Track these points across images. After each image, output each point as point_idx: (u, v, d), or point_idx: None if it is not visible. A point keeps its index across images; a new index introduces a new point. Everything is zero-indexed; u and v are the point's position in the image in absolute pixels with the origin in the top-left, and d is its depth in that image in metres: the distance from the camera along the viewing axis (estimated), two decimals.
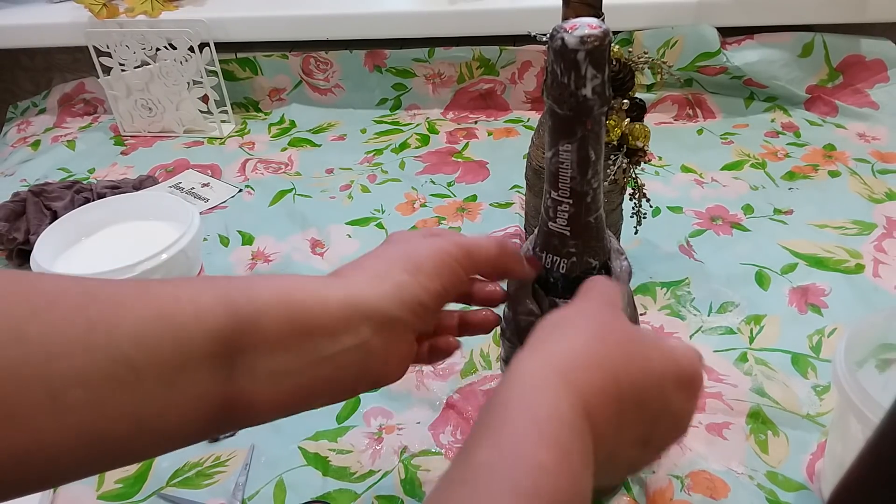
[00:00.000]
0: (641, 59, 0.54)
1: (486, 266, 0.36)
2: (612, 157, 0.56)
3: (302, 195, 0.84)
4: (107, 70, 0.96)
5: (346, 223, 0.78)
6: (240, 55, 1.01)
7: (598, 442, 0.27)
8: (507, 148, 0.91)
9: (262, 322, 0.29)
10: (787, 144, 0.87)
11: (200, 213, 0.70)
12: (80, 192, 0.81)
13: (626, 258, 0.39)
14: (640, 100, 0.55)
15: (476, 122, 0.98)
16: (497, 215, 0.78)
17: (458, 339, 0.40)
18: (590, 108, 0.32)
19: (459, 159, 0.89)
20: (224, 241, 0.77)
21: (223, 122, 1.01)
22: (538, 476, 0.24)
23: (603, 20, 0.45)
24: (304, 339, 0.30)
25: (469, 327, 0.40)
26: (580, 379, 0.27)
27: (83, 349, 0.25)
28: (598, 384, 0.28)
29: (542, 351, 0.29)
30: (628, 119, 0.55)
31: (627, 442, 0.30)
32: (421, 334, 0.36)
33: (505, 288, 0.40)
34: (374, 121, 1.01)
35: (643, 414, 0.29)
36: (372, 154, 0.92)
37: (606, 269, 0.38)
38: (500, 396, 0.27)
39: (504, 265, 0.36)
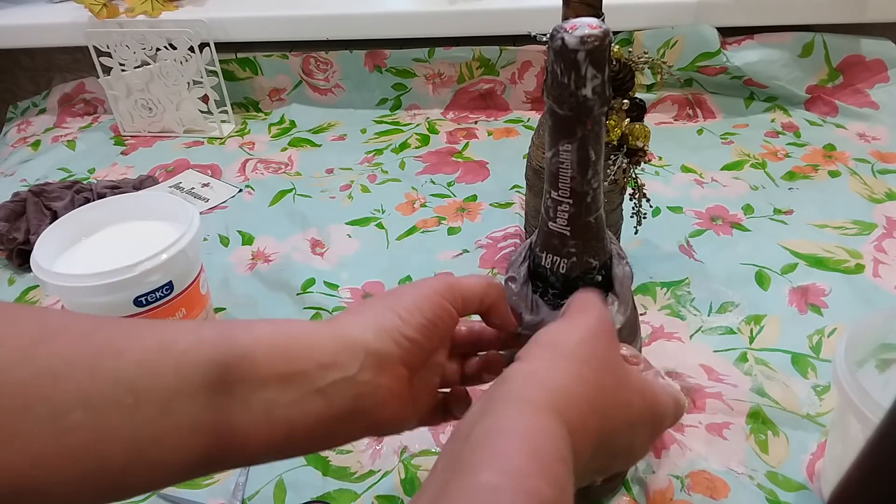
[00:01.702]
0: (641, 59, 0.54)
1: (472, 300, 0.36)
2: (612, 157, 0.56)
3: (302, 195, 0.84)
4: (107, 70, 0.96)
5: (346, 223, 0.78)
6: (240, 55, 1.01)
7: (577, 467, 0.28)
8: (507, 148, 0.91)
9: (257, 354, 0.30)
10: (787, 144, 0.87)
11: (200, 213, 0.70)
12: (80, 192, 0.81)
13: (627, 263, 0.39)
14: (640, 100, 0.55)
15: (476, 122, 0.98)
16: (497, 215, 0.78)
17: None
18: (590, 108, 0.32)
19: (459, 159, 0.89)
20: (224, 241, 0.77)
21: (223, 122, 1.01)
22: None
23: (603, 20, 0.45)
24: (296, 372, 0.30)
25: (479, 370, 0.41)
26: (573, 420, 0.28)
27: (88, 372, 0.26)
28: (587, 427, 0.29)
29: (541, 383, 0.29)
30: (628, 119, 0.55)
31: (588, 473, 0.32)
32: (430, 386, 0.37)
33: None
34: (374, 121, 1.01)
35: (610, 451, 0.32)
36: (372, 154, 0.92)
37: (606, 270, 0.38)
38: (499, 419, 0.28)
39: (490, 301, 0.37)
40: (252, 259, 0.74)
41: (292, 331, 0.31)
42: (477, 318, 0.39)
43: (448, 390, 0.40)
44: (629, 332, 0.40)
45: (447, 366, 0.39)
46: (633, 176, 0.58)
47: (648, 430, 0.33)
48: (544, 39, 0.37)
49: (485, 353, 0.41)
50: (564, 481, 0.26)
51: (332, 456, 0.52)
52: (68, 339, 0.27)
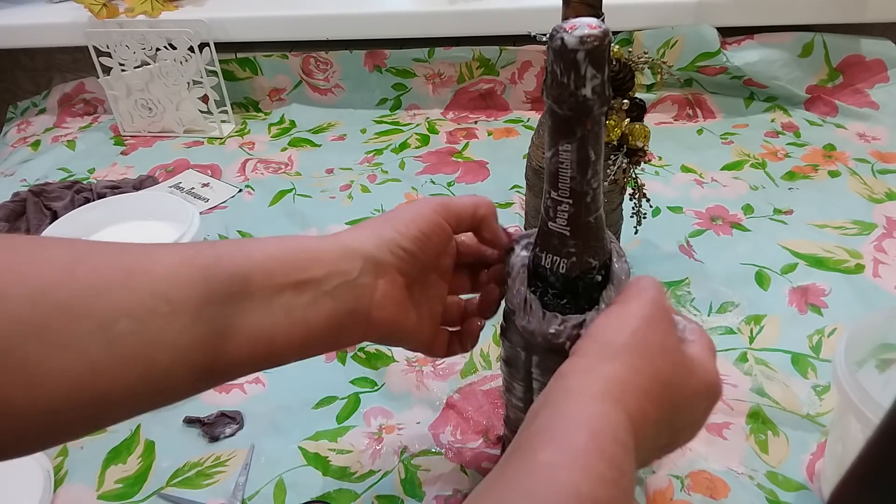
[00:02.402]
0: (641, 59, 0.54)
1: (465, 217, 0.39)
2: (612, 157, 0.56)
3: (302, 195, 0.84)
4: (107, 70, 0.96)
5: (346, 223, 0.78)
6: (240, 55, 1.01)
7: (639, 453, 0.30)
8: (507, 148, 0.91)
9: (272, 266, 0.33)
10: (787, 144, 0.87)
11: (200, 213, 0.70)
12: (80, 192, 0.81)
13: (626, 260, 0.39)
14: (640, 100, 0.55)
15: (476, 122, 0.98)
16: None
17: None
18: (590, 108, 0.32)
19: (459, 159, 0.89)
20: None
21: (223, 122, 1.01)
22: (598, 487, 0.26)
23: (603, 20, 0.45)
24: (308, 279, 0.34)
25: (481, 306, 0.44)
26: (630, 405, 0.30)
27: (126, 287, 0.29)
28: (649, 415, 0.31)
29: (598, 374, 0.31)
30: (628, 119, 0.55)
31: (656, 449, 0.34)
32: (433, 297, 0.41)
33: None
34: (374, 121, 1.01)
35: (673, 428, 0.33)
36: (372, 154, 0.92)
37: (606, 269, 0.37)
38: (558, 407, 0.30)
39: (480, 216, 0.40)
40: None
41: (300, 245, 0.35)
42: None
43: (458, 328, 0.44)
44: None
45: (456, 279, 0.43)
46: (633, 176, 0.58)
47: (705, 403, 0.35)
48: (544, 39, 0.37)
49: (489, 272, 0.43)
50: (623, 463, 0.28)
51: (332, 456, 0.52)
52: (101, 260, 0.29)
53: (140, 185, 0.86)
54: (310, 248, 0.35)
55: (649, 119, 0.58)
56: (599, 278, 0.37)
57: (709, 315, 0.62)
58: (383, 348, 0.61)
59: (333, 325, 0.35)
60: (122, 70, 0.96)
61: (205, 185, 0.88)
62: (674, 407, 0.32)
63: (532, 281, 0.38)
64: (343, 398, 0.57)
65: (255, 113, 1.05)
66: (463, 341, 0.43)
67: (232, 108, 1.02)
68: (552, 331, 0.36)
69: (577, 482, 0.26)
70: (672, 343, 0.34)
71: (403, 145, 0.94)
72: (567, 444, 0.28)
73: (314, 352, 0.35)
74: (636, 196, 0.60)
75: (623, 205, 0.63)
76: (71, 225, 0.63)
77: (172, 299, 0.30)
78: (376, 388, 0.58)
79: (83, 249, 0.30)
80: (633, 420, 0.30)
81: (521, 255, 0.39)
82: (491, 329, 0.62)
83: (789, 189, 0.79)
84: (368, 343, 0.61)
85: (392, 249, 0.37)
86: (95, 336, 0.28)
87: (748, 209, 0.75)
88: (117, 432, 0.56)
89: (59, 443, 0.31)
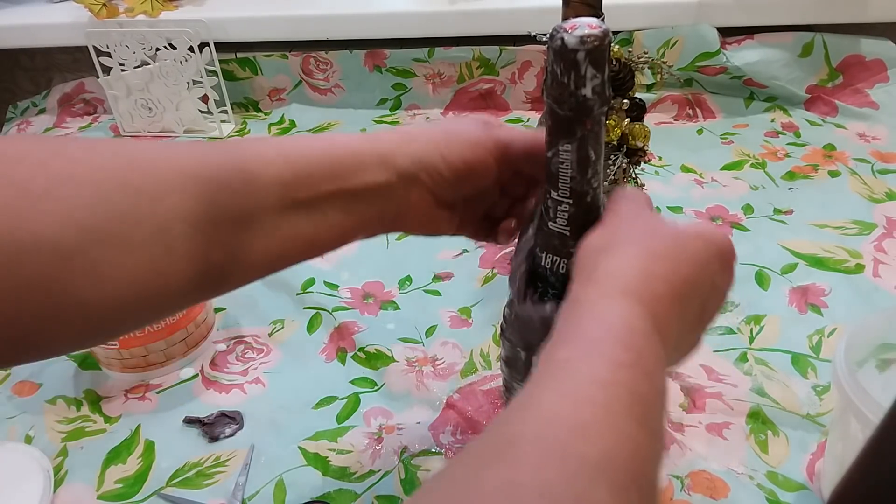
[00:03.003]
0: (641, 59, 0.54)
1: (519, 160, 0.39)
2: (612, 157, 0.56)
3: None
4: (107, 70, 0.96)
5: None
6: (240, 55, 1.01)
7: (665, 340, 0.30)
8: None
9: (316, 175, 0.35)
10: (787, 144, 0.87)
11: None
12: None
13: None
14: (640, 100, 0.55)
15: None
16: None
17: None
18: (590, 108, 0.32)
19: None
20: None
21: (223, 122, 1.01)
22: (616, 370, 0.27)
23: (603, 20, 0.45)
24: (348, 188, 0.36)
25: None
26: (641, 293, 0.30)
27: (178, 194, 0.30)
28: (659, 292, 0.30)
29: (598, 277, 0.31)
30: (628, 119, 0.55)
31: (688, 329, 0.33)
32: (474, 211, 0.42)
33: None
34: (374, 121, 1.01)
35: (697, 301, 0.33)
36: None
37: None
38: (570, 318, 0.30)
39: (536, 161, 0.38)
40: None
41: (339, 150, 0.36)
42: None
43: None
44: None
45: (500, 196, 0.42)
46: (633, 176, 0.58)
47: (718, 262, 0.34)
48: (544, 39, 0.37)
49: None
50: (641, 346, 0.28)
51: (333, 456, 0.52)
52: (152, 162, 0.31)
53: None
54: (349, 154, 0.36)
55: (649, 119, 0.58)
56: None
57: None
58: (383, 348, 0.61)
59: (366, 225, 0.37)
60: (122, 70, 0.96)
61: None
62: (686, 275, 0.31)
63: (532, 281, 0.38)
64: (343, 398, 0.57)
65: (255, 113, 1.05)
66: (496, 235, 0.43)
67: (232, 108, 1.02)
68: (548, 312, 0.36)
69: (595, 369, 0.27)
70: (658, 222, 0.34)
71: None
72: (580, 339, 0.28)
73: (349, 242, 0.38)
74: None
75: None
76: None
77: (225, 207, 0.32)
78: (376, 388, 0.58)
79: (136, 153, 0.31)
80: (646, 304, 0.29)
81: (529, 234, 0.39)
82: (491, 329, 0.63)
83: (789, 189, 0.79)
84: (368, 343, 0.62)
85: (430, 173, 0.37)
86: (156, 239, 0.29)
87: (748, 209, 0.75)
88: (117, 432, 0.56)
89: (127, 332, 0.34)
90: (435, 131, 0.38)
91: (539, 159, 0.37)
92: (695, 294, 0.32)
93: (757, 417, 0.53)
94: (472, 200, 0.41)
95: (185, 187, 0.31)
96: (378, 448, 0.53)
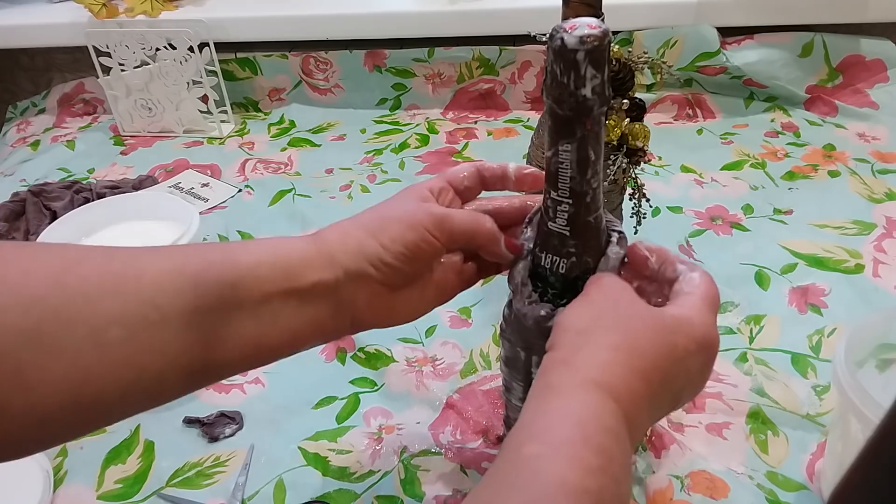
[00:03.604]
0: (641, 59, 0.54)
1: (461, 239, 0.38)
2: (612, 157, 0.56)
3: (302, 195, 0.84)
4: (106, 70, 0.96)
5: None
6: (239, 55, 1.01)
7: (634, 436, 0.29)
8: (507, 148, 0.91)
9: (260, 273, 0.34)
10: (787, 144, 0.87)
11: (200, 213, 0.70)
12: (80, 192, 0.81)
13: (624, 242, 0.38)
14: (640, 100, 0.55)
15: (476, 122, 0.98)
16: None
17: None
18: (589, 108, 0.32)
19: (459, 159, 0.89)
20: (224, 241, 0.77)
21: (223, 122, 1.01)
22: (585, 476, 0.26)
23: (603, 20, 0.45)
24: (293, 287, 0.34)
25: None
26: (619, 390, 0.29)
27: (116, 294, 0.29)
28: (635, 388, 0.30)
29: (576, 363, 0.30)
30: (628, 119, 0.55)
31: (657, 417, 0.34)
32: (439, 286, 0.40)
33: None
34: (374, 121, 1.01)
35: (671, 394, 0.32)
36: (372, 154, 0.92)
37: None
38: (542, 406, 0.29)
39: (480, 245, 0.38)
40: None
41: (287, 251, 0.35)
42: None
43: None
44: None
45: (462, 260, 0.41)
46: (633, 176, 0.58)
47: (700, 358, 0.33)
48: (544, 39, 0.37)
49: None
50: (612, 450, 0.27)
51: (332, 456, 0.52)
52: (91, 267, 0.30)
53: (140, 185, 0.86)
54: (297, 255, 0.35)
55: (649, 119, 0.58)
56: None
57: None
58: (383, 348, 0.61)
59: (319, 328, 0.36)
60: (122, 70, 0.96)
61: (204, 185, 0.88)
62: (664, 373, 0.31)
63: (532, 280, 0.38)
64: (343, 398, 0.57)
65: (254, 113, 1.05)
66: (495, 268, 0.42)
67: (232, 108, 1.02)
68: (543, 313, 0.36)
69: (563, 472, 0.26)
70: (643, 309, 0.33)
71: (403, 145, 0.94)
72: (551, 435, 0.27)
73: (303, 349, 0.36)
74: (636, 196, 0.60)
75: (623, 205, 0.63)
76: (70, 225, 0.63)
77: (162, 306, 0.30)
78: (376, 388, 0.58)
79: (73, 256, 0.30)
80: (622, 402, 0.29)
81: (528, 235, 0.39)
82: (491, 329, 0.62)
83: (789, 189, 0.79)
84: (368, 343, 0.62)
85: (374, 264, 0.36)
86: (88, 343, 0.28)
87: (748, 209, 0.75)
88: (117, 432, 0.56)
89: (56, 444, 0.31)
90: (371, 220, 0.37)
91: (478, 241, 0.38)
92: (671, 387, 0.32)
93: (757, 417, 0.53)
94: (440, 267, 0.40)
95: (124, 290, 0.30)
96: (378, 448, 0.53)
